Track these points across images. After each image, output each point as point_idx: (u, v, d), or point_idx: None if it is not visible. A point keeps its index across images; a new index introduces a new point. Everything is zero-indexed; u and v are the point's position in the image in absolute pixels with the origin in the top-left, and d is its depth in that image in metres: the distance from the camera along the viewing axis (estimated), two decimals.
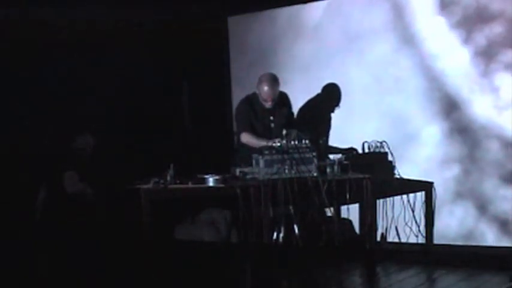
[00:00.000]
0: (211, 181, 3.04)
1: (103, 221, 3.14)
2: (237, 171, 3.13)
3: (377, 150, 3.31)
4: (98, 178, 3.25)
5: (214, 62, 4.32)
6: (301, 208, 3.05)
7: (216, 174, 3.06)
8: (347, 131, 3.73)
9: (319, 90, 3.81)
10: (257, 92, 3.35)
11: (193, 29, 4.14)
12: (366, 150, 3.35)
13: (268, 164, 3.05)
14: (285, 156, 3.05)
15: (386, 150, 3.31)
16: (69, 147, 3.37)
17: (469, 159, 3.60)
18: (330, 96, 3.75)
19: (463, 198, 3.59)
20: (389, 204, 3.33)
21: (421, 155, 3.66)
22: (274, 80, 3.33)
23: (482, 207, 3.56)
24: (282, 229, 3.10)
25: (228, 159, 3.72)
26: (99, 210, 3.17)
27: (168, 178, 3.03)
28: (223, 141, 4.19)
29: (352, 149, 3.44)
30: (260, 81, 3.34)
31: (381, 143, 3.30)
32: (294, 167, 3.03)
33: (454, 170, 3.62)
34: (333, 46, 3.94)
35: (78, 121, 3.63)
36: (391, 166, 3.31)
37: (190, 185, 3.04)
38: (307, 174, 3.05)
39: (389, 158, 3.34)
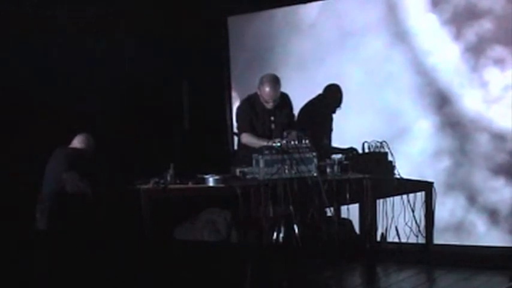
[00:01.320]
0: (211, 181, 3.03)
1: (103, 221, 3.12)
2: (237, 171, 3.13)
3: (377, 150, 3.32)
4: (98, 178, 3.22)
5: (214, 62, 4.28)
6: (301, 208, 3.05)
7: (216, 174, 3.06)
8: (341, 126, 3.76)
9: (315, 87, 3.83)
10: (258, 92, 3.33)
11: (193, 29, 4.10)
12: (366, 150, 3.36)
13: (269, 163, 3.05)
14: (285, 156, 3.05)
15: (387, 150, 3.32)
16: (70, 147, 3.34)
17: (460, 152, 3.69)
18: (332, 97, 3.77)
19: (453, 189, 3.68)
20: (389, 204, 3.33)
21: (413, 148, 3.73)
22: (275, 81, 3.32)
23: (472, 198, 3.66)
24: (282, 229, 3.11)
25: (228, 159, 3.72)
26: (99, 210, 3.15)
27: (168, 178, 3.02)
28: (223, 141, 4.19)
29: (352, 149, 3.44)
30: (261, 82, 3.33)
31: (381, 143, 3.32)
32: (294, 167, 3.04)
33: (445, 163, 3.70)
34: (328, 43, 4.00)
35: (78, 121, 3.59)
36: (391, 166, 3.32)
37: (190, 185, 3.04)
38: (307, 174, 3.06)
39: (390, 158, 3.35)
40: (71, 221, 3.06)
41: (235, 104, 3.84)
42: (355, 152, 3.40)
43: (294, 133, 3.18)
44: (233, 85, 4.32)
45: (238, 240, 3.31)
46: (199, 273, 3.05)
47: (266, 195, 2.99)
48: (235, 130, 3.64)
